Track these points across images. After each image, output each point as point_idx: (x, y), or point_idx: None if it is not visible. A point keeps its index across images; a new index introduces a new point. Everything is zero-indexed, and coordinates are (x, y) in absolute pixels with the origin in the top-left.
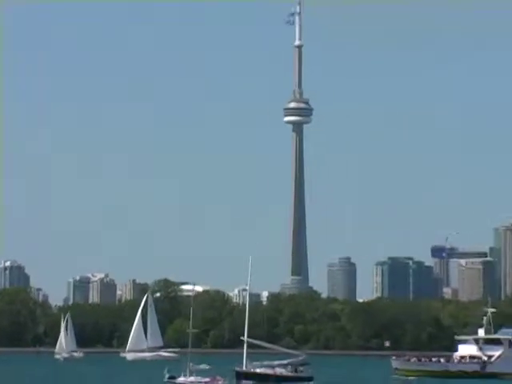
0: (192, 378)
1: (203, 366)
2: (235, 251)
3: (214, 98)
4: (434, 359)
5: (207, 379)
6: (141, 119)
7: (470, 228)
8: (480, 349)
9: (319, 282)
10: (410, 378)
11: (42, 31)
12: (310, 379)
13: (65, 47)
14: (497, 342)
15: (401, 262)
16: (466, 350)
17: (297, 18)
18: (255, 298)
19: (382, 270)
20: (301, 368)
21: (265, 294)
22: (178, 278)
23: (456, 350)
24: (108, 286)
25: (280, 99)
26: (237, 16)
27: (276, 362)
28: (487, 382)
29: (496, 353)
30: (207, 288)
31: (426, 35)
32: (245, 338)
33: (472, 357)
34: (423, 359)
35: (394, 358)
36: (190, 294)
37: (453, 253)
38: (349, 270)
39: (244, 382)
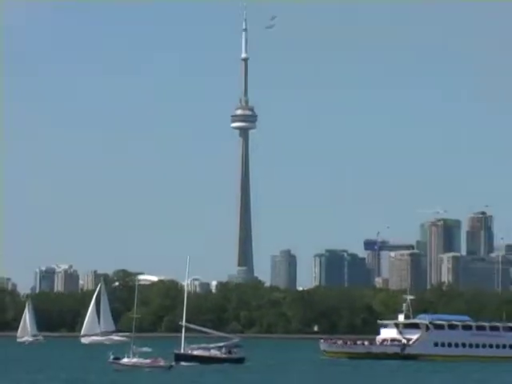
0: (135, 360)
1: (145, 349)
2: (188, 245)
3: (168, 106)
4: (358, 342)
5: (148, 360)
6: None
7: (399, 223)
8: (400, 332)
9: (263, 272)
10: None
11: None
12: (241, 360)
13: None
14: (415, 327)
15: (337, 254)
16: (388, 333)
17: (243, 33)
18: (205, 286)
19: (320, 262)
20: (234, 350)
21: (214, 283)
22: (136, 269)
23: (379, 334)
24: (71, 276)
25: (228, 107)
26: (189, 31)
27: (212, 345)
28: (406, 362)
29: (414, 336)
30: (162, 278)
31: (363, 46)
32: (183, 323)
33: (393, 340)
34: (348, 342)
35: (322, 341)
36: (147, 283)
37: (383, 246)
38: (290, 261)
39: (182, 363)
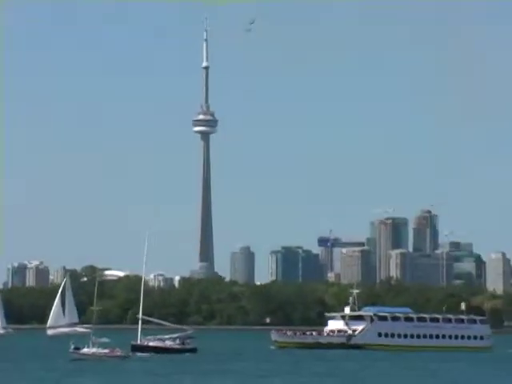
0: (94, 350)
1: (104, 340)
2: (152, 242)
3: (134, 111)
4: (307, 333)
5: (106, 350)
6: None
7: (350, 221)
8: (346, 324)
9: (223, 267)
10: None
11: None
12: (193, 350)
13: None
14: (360, 318)
15: (292, 251)
16: (335, 325)
17: (204, 43)
18: (169, 281)
19: (277, 258)
20: (187, 341)
21: (177, 278)
22: (103, 265)
23: (326, 325)
24: (42, 272)
25: (190, 112)
26: (153, 40)
27: (166, 336)
28: (351, 351)
29: (359, 327)
30: (127, 273)
31: (317, 57)
32: (139, 316)
33: (339, 331)
34: (298, 333)
35: (273, 331)
36: (113, 278)
37: (336, 243)
38: (248, 257)
39: (138, 353)
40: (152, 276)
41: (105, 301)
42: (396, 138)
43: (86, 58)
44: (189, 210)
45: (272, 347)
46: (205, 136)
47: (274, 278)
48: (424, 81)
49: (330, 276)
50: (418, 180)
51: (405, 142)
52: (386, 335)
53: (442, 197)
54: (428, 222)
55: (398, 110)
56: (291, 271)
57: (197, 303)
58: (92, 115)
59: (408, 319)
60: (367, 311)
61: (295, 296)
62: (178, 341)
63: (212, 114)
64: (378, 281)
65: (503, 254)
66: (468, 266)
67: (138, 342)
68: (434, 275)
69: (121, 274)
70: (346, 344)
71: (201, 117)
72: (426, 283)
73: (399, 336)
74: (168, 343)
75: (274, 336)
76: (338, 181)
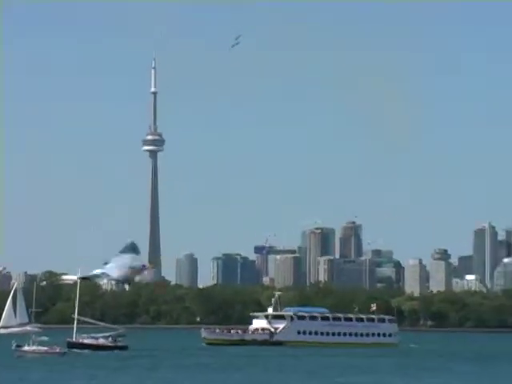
0: (34, 347)
1: (43, 338)
2: (106, 249)
3: (90, 132)
4: (233, 331)
5: (46, 348)
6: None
7: (284, 231)
8: (269, 322)
9: (169, 272)
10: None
11: None
12: (125, 348)
13: None
14: (281, 318)
15: (231, 257)
16: (258, 323)
17: (152, 71)
18: (120, 285)
19: (218, 263)
20: (119, 339)
21: None
22: (61, 270)
23: (251, 324)
24: (5, 277)
25: (139, 133)
26: (107, 68)
27: (100, 335)
28: (273, 348)
29: (281, 326)
30: None
31: (246, 85)
32: (75, 316)
33: (263, 329)
34: (225, 330)
35: (202, 329)
36: (70, 282)
37: (271, 250)
38: (192, 263)
39: (74, 350)
40: (105, 280)
41: (62, 303)
42: (323, 158)
43: (37, 83)
44: (139, 220)
45: (202, 344)
46: (153, 154)
47: (215, 281)
48: (349, 96)
49: (265, 280)
50: (344, 194)
51: (331, 161)
52: (305, 333)
53: (366, 209)
54: (353, 231)
55: (323, 131)
56: (231, 276)
57: (145, 305)
58: (50, 135)
59: (324, 318)
60: (288, 311)
61: (234, 298)
62: (110, 339)
63: (159, 135)
64: (308, 284)
65: (420, 261)
66: (388, 271)
67: (74, 339)
68: (358, 279)
69: (76, 278)
70: (269, 341)
71: (149, 137)
72: (351, 286)
73: (316, 333)
74: (101, 341)
75: (203, 334)
76: (273, 195)
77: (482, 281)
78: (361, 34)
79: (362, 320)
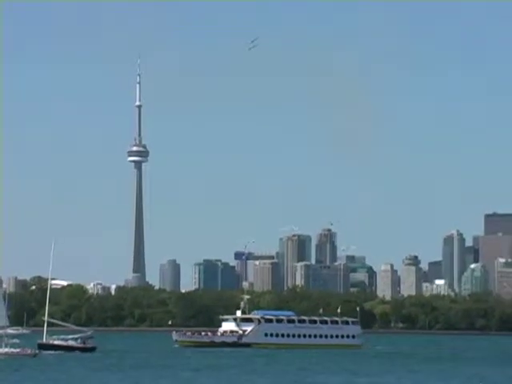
0: (6, 349)
1: (15, 341)
2: (92, 256)
3: (77, 144)
4: (203, 333)
5: (18, 350)
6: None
7: (262, 238)
8: (237, 325)
9: (153, 277)
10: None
11: None
12: (93, 349)
13: None
14: (249, 321)
15: (212, 263)
16: (228, 326)
17: (137, 85)
18: (106, 289)
19: (199, 269)
20: (88, 341)
21: (113, 287)
22: (50, 275)
23: (220, 326)
24: None
25: (124, 144)
26: (94, 84)
27: (69, 336)
28: (242, 349)
29: (249, 328)
30: (71, 282)
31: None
32: (45, 319)
33: (232, 331)
34: (195, 333)
35: (174, 332)
36: (58, 287)
37: (250, 256)
38: (175, 268)
39: (44, 351)
40: (92, 285)
41: (50, 306)
42: (300, 169)
43: (24, 97)
44: (124, 227)
45: (174, 346)
46: (138, 165)
47: (196, 286)
48: (323, 107)
49: (245, 285)
50: (320, 203)
51: (308, 171)
52: (272, 335)
53: (340, 217)
54: (328, 238)
55: (300, 143)
56: (211, 281)
57: (130, 308)
58: (39, 145)
59: (290, 321)
60: (255, 314)
61: (215, 301)
62: (79, 340)
63: (144, 146)
64: (285, 289)
65: (391, 266)
66: (361, 275)
67: (44, 341)
68: (333, 284)
69: (65, 283)
70: (237, 343)
71: (134, 148)
72: (326, 291)
73: (283, 336)
74: (70, 342)
75: (175, 336)
76: (252, 204)
77: (450, 285)
78: (326, 50)
79: (326, 322)
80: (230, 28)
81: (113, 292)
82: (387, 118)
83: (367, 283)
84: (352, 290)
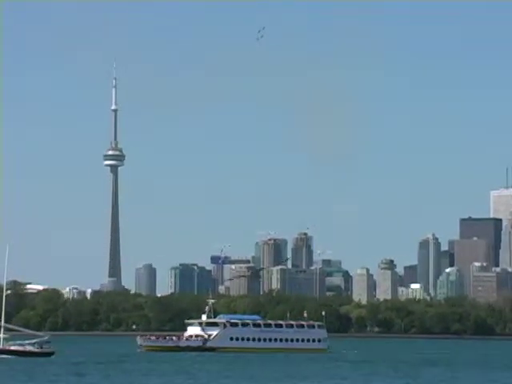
0: None
1: None
2: (68, 261)
3: (55, 149)
4: (167, 337)
5: None
6: None
7: (239, 242)
8: (203, 329)
9: (129, 281)
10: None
11: None
12: (51, 354)
13: None
14: (215, 325)
15: (189, 267)
16: (193, 330)
17: (113, 90)
18: (82, 293)
19: (175, 273)
20: (45, 346)
21: (89, 291)
22: (26, 279)
23: (186, 331)
24: None
25: (100, 148)
26: (70, 89)
27: (26, 342)
28: (206, 353)
29: (214, 332)
30: (46, 287)
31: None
32: (1, 324)
33: (197, 335)
34: (160, 337)
35: (138, 337)
36: (34, 291)
37: (226, 260)
38: (151, 272)
39: (1, 356)
40: (67, 289)
41: (26, 311)
42: (276, 173)
43: None
44: (100, 232)
45: (138, 350)
46: (114, 169)
47: (172, 290)
48: (299, 111)
49: (221, 289)
50: (296, 207)
51: (284, 175)
52: (237, 339)
53: (316, 221)
54: (304, 242)
55: (276, 146)
56: (188, 285)
57: (106, 312)
58: (14, 148)
59: (256, 325)
60: (221, 318)
61: (190, 306)
62: (36, 345)
63: (120, 150)
64: (261, 293)
65: (367, 270)
66: (337, 279)
67: (1, 346)
68: (309, 288)
69: (40, 287)
70: (202, 347)
71: (110, 152)
72: (302, 295)
73: (248, 340)
74: (28, 348)
75: (139, 341)
76: (228, 208)
77: (426, 289)
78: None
79: (291, 326)
80: (204, 31)
81: (88, 296)
82: (363, 123)
83: (343, 287)
84: (328, 294)
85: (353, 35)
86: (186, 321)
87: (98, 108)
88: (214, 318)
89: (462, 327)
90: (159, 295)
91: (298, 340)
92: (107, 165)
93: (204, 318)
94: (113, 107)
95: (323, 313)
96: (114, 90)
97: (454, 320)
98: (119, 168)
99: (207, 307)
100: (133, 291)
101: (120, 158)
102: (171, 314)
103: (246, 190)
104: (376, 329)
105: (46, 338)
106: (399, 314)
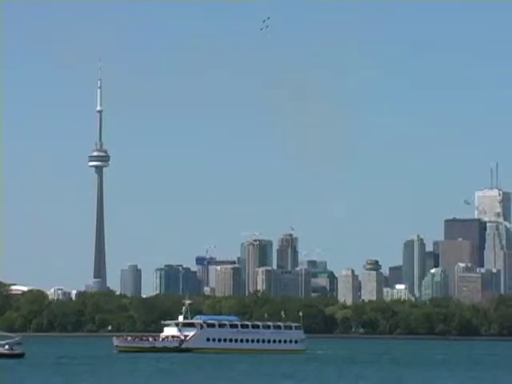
0: None
1: None
2: (53, 261)
3: (39, 151)
4: (144, 338)
5: None
6: None
7: (224, 243)
8: (179, 330)
9: (114, 282)
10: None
11: None
12: (21, 355)
13: None
14: (191, 325)
15: (174, 268)
16: (169, 331)
17: (98, 90)
18: (67, 295)
19: (160, 274)
20: (16, 347)
21: (74, 292)
22: (9, 280)
23: (163, 331)
24: None
25: (86, 149)
26: (56, 89)
27: None
28: (183, 354)
29: (191, 333)
30: (31, 288)
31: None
32: None
33: (173, 336)
34: (136, 338)
35: (114, 337)
36: (18, 292)
37: (211, 261)
38: (136, 273)
39: None
40: (52, 290)
41: (11, 312)
42: (261, 174)
43: None
44: (85, 233)
45: (114, 351)
46: (99, 170)
47: (158, 291)
48: (285, 113)
49: (206, 290)
50: (281, 208)
51: (269, 176)
52: (214, 340)
53: (301, 222)
54: (289, 243)
55: (261, 147)
56: (173, 286)
57: (91, 313)
58: (2, 150)
59: (233, 326)
60: (198, 319)
61: (176, 307)
62: (6, 347)
63: (105, 151)
64: (247, 294)
65: (352, 271)
66: (323, 281)
67: None
68: (295, 289)
69: (25, 288)
70: (179, 348)
71: (95, 153)
72: (287, 296)
73: (225, 340)
74: None
75: (115, 342)
76: (213, 208)
77: (411, 290)
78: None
79: (268, 327)
80: (190, 31)
81: (73, 297)
82: (348, 125)
83: (328, 288)
84: (313, 294)
85: (347, 36)
86: (163, 322)
87: (83, 109)
88: (191, 318)
89: (446, 328)
90: (144, 296)
91: (275, 341)
92: (92, 166)
93: (181, 318)
94: (98, 108)
95: (300, 313)
96: (99, 90)
97: (439, 320)
98: (104, 169)
99: (184, 308)
100: (118, 292)
101: (105, 158)
102: (156, 315)
103: (230, 191)
104: (361, 330)
105: (17, 339)
106: (384, 314)
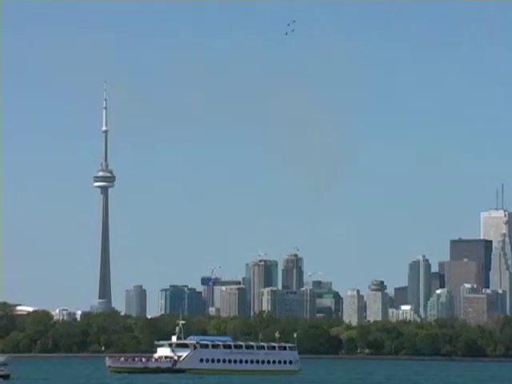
0: None
1: None
2: (58, 282)
3: (46, 170)
4: (136, 359)
5: None
6: None
7: (229, 263)
8: (172, 351)
9: (119, 303)
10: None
11: None
12: (7, 377)
13: None
14: (185, 346)
15: (179, 289)
16: (163, 351)
17: (103, 111)
18: (72, 315)
19: (165, 294)
20: (1, 368)
21: (79, 313)
22: (15, 301)
23: (156, 352)
24: None
25: (91, 170)
26: (61, 111)
27: None
28: (176, 375)
29: (184, 354)
30: (36, 308)
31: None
32: None
33: (166, 357)
34: (129, 359)
35: (107, 358)
36: (23, 313)
37: (216, 281)
38: (141, 294)
39: None
40: (57, 310)
41: (15, 333)
42: (267, 195)
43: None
44: (90, 254)
45: (108, 372)
46: (104, 190)
47: (163, 312)
48: (289, 134)
49: (212, 310)
50: (286, 229)
51: (274, 197)
52: (207, 360)
53: (307, 243)
54: (294, 264)
55: (266, 168)
56: (178, 306)
57: (96, 334)
58: (8, 170)
59: (226, 347)
60: (191, 340)
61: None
62: None
63: (110, 172)
64: (252, 314)
65: (358, 292)
66: (328, 301)
67: None
68: (300, 309)
69: (30, 309)
70: (172, 369)
71: (100, 174)
72: (292, 316)
73: (218, 361)
74: None
75: (108, 362)
76: (219, 230)
77: (416, 311)
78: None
79: (263, 348)
80: (195, 53)
81: (78, 318)
82: (353, 143)
83: (333, 309)
84: (318, 315)
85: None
86: (156, 342)
87: (89, 129)
88: (185, 339)
89: (452, 348)
90: (149, 317)
91: (269, 362)
92: (97, 186)
93: (174, 339)
94: (103, 128)
95: (295, 335)
96: (104, 111)
97: (445, 341)
98: (109, 189)
99: (177, 328)
100: (123, 313)
101: (110, 179)
102: (161, 336)
103: (236, 212)
104: (366, 350)
105: (3, 359)
106: (390, 335)
